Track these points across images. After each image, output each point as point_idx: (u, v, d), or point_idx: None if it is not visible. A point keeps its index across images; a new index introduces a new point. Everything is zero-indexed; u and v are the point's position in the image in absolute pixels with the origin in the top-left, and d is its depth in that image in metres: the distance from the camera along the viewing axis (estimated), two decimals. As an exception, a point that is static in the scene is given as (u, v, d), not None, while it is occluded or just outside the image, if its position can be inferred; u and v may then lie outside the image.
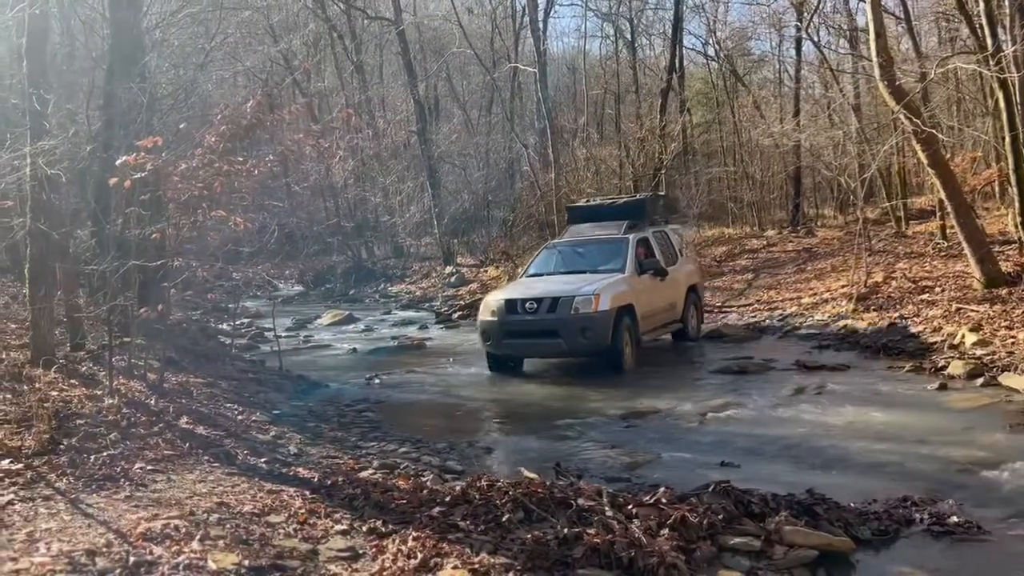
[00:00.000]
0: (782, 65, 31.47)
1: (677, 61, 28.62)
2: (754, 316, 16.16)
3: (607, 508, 4.77)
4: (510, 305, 11.04)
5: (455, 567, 4.01)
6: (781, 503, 5.15)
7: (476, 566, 4.04)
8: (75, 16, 14.68)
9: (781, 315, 15.62)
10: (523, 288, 11.67)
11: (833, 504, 5.24)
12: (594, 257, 12.25)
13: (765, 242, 24.48)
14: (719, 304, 18.01)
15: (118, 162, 6.96)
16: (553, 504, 4.88)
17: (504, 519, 4.72)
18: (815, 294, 16.55)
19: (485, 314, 11.29)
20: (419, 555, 4.12)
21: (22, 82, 8.31)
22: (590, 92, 34.53)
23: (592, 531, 4.45)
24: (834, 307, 14.92)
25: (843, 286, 15.84)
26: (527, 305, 10.86)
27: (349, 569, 4.12)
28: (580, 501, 4.91)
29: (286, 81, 27.60)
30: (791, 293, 17.51)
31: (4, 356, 7.56)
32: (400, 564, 4.05)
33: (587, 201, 15.97)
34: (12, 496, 4.82)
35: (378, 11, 31.91)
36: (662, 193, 17.71)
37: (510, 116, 31.06)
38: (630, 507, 4.90)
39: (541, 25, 29.02)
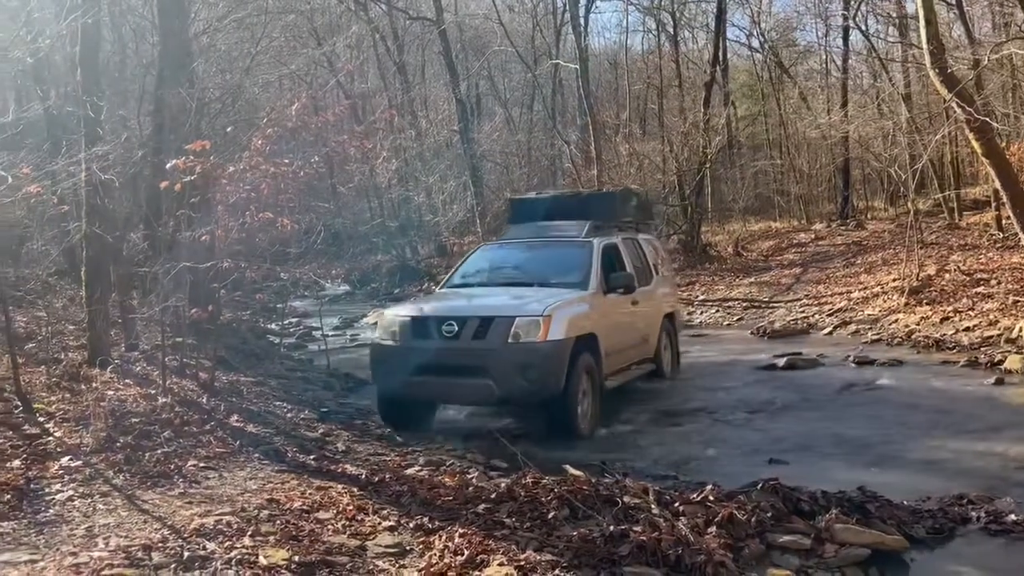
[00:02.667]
0: (829, 55, 30.91)
1: (720, 53, 28.26)
2: (802, 311, 15.92)
3: (653, 506, 4.74)
4: (418, 326, 7.49)
5: (501, 564, 4.02)
6: (831, 500, 5.06)
7: (522, 563, 4.04)
8: (126, 24, 15.05)
9: (830, 310, 15.36)
10: (440, 302, 8.19)
11: (885, 501, 5.14)
12: (546, 265, 8.72)
13: (813, 236, 24.09)
14: (767, 299, 17.78)
15: (168, 166, 7.11)
16: (599, 502, 4.87)
17: (549, 516, 4.71)
18: (865, 288, 16.25)
19: (381, 336, 7.79)
20: (465, 552, 4.14)
21: (76, 90, 8.54)
22: (632, 87, 34.30)
23: (638, 529, 4.42)
24: (885, 301, 14.63)
25: (894, 280, 15.52)
26: (444, 327, 7.30)
27: (397, 565, 4.16)
28: (626, 499, 4.88)
29: (330, 83, 27.89)
30: (841, 287, 17.21)
31: (63, 356, 7.78)
32: (447, 560, 4.08)
33: (537, 194, 12.83)
34: (72, 492, 4.96)
35: (420, 11, 32.08)
36: (636, 189, 13.65)
37: (552, 113, 31.05)
38: (677, 505, 4.86)
39: (582, 21, 28.92)
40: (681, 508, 4.81)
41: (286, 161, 7.97)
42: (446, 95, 32.12)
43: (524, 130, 32.91)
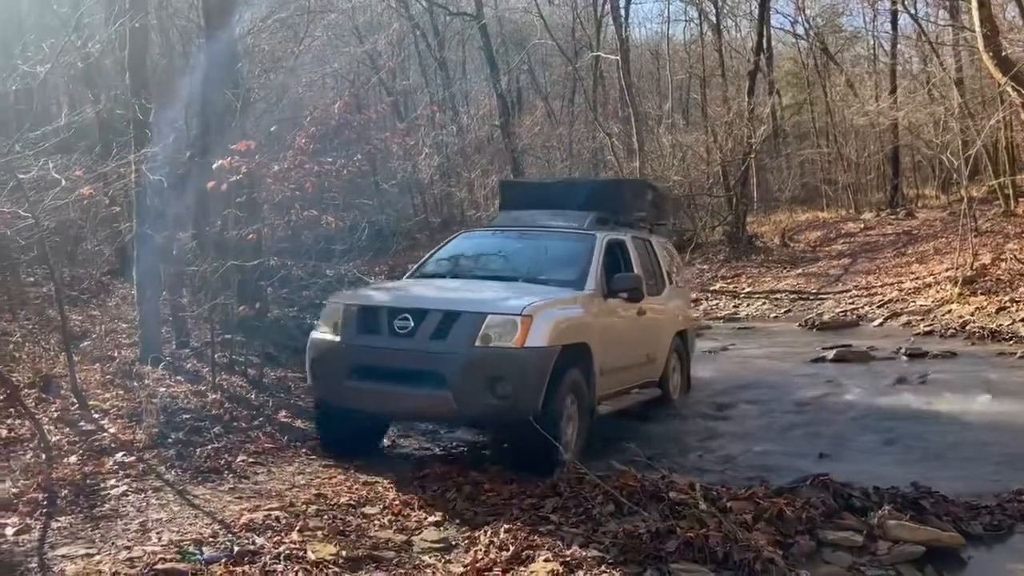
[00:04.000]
0: (876, 40, 30.22)
1: (764, 41, 27.81)
2: (852, 303, 15.63)
3: (701, 501, 4.69)
4: (366, 317, 5.96)
5: (546, 559, 4.01)
6: (884, 496, 4.96)
7: (567, 559, 4.03)
8: (173, 27, 15.33)
9: (881, 301, 15.05)
10: (398, 291, 6.64)
11: (940, 497, 5.01)
12: (537, 258, 7.15)
13: (862, 225, 23.64)
14: (814, 291, 17.50)
15: (214, 166, 7.22)
16: (645, 497, 4.83)
17: (595, 512, 4.70)
18: (917, 278, 15.89)
19: (321, 328, 6.19)
20: (511, 547, 4.14)
21: (125, 93, 8.72)
22: (675, 77, 33.92)
23: (685, 524, 4.38)
24: (938, 291, 14.29)
25: (947, 269, 15.15)
26: (397, 321, 5.77)
27: (442, 560, 4.18)
28: (672, 494, 4.84)
29: (372, 81, 28.11)
30: (891, 278, 16.86)
31: (116, 354, 7.96)
32: (492, 556, 4.08)
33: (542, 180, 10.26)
34: (125, 487, 5.08)
35: (460, 7, 32.11)
36: (653, 183, 11.35)
37: (593, 105, 30.86)
38: (724, 500, 4.81)
39: (623, 12, 28.70)
40: (729, 504, 4.76)
41: (330, 159, 8.05)
42: (487, 90, 32.13)
43: (565, 123, 32.75)
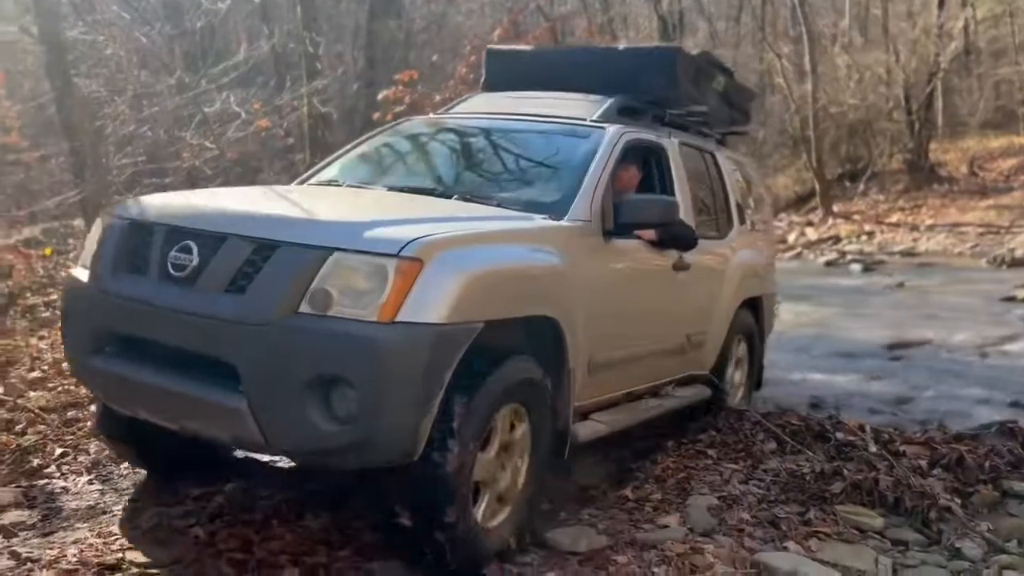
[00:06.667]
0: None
1: (960, -53, 25.10)
2: (1050, 237, 14.24)
3: (871, 444, 4.47)
4: (132, 242, 3.22)
5: (702, 494, 3.97)
6: (1083, 449, 4.54)
7: (725, 495, 3.97)
8: (340, -39, 15.69)
9: (1086, 235, 13.62)
10: (196, 201, 3.55)
11: None
12: (499, 166, 4.49)
13: (1067, 151, 21.31)
14: (1006, 225, 16.08)
15: (379, 97, 7.41)
16: (809, 437, 4.66)
17: (755, 450, 4.58)
18: None
19: (82, 259, 3.53)
20: (668, 481, 4.13)
21: (297, 27, 9.07)
22: (853, -9, 31.40)
23: (852, 467, 4.20)
24: None
25: None
26: (173, 253, 3.01)
27: (598, 492, 4.18)
28: (839, 435, 4.65)
29: (530, 6, 27.79)
30: (1099, 210, 15.18)
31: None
32: (648, 488, 4.07)
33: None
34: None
35: (621, -75, 31.00)
36: (721, 62, 5.92)
37: (761, 24, 29.12)
38: (897, 444, 4.57)
39: (797, -79, 26.67)
40: (902, 448, 4.52)
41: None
42: (647, 12, 31.03)
43: (730, 44, 31.18)
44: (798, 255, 17.58)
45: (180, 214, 3.23)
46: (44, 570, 2.93)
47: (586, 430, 3.78)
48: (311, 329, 2.72)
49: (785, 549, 3.41)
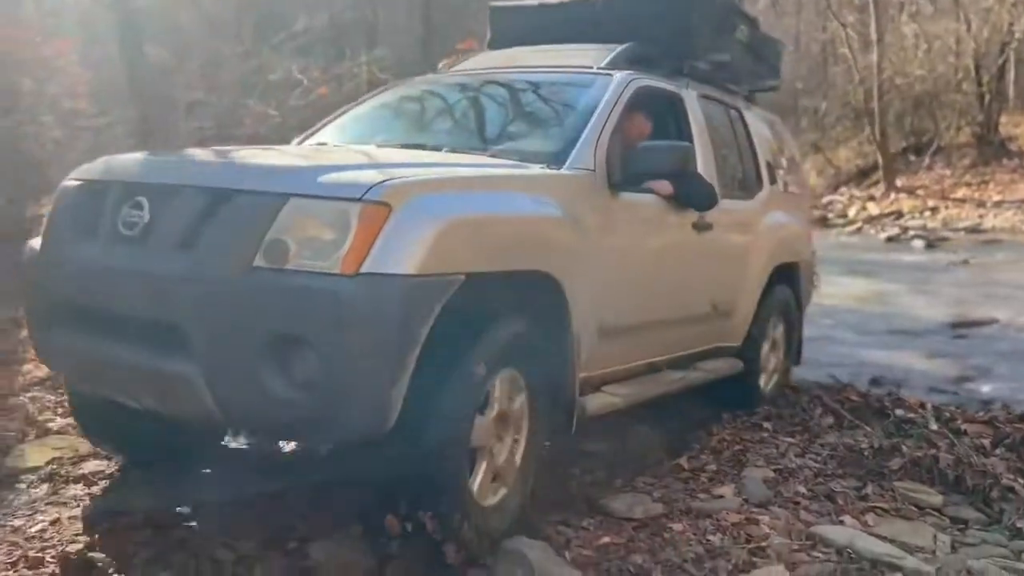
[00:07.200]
0: None
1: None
2: None
3: (931, 421, 4.43)
4: (86, 203, 2.91)
5: (758, 466, 3.98)
6: None
7: (781, 468, 3.97)
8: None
9: None
10: (157, 158, 3.27)
11: None
12: (496, 116, 4.14)
13: None
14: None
15: (439, 65, 7.43)
16: (868, 413, 4.63)
17: (812, 424, 4.57)
18: None
19: (43, 226, 3.16)
20: (723, 453, 4.14)
21: (357, -4, 9.13)
22: (924, -43, 30.29)
23: (912, 444, 4.17)
24: None
25: None
26: (125, 211, 2.71)
27: (653, 461, 4.21)
28: (899, 412, 4.61)
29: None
30: None
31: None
32: (704, 459, 4.09)
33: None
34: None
35: None
36: (744, 10, 5.55)
37: (826, -8, 28.31)
38: (958, 422, 4.51)
39: None
40: (963, 426, 4.46)
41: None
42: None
43: (792, 13, 30.41)
44: (858, 230, 17.22)
45: (133, 170, 3.01)
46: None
47: (596, 403, 3.40)
48: (266, 284, 2.43)
49: (841, 523, 3.40)
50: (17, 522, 2.98)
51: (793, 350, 5.29)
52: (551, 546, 2.91)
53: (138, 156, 3.24)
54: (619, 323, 3.51)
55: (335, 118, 4.38)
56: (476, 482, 2.74)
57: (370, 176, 2.57)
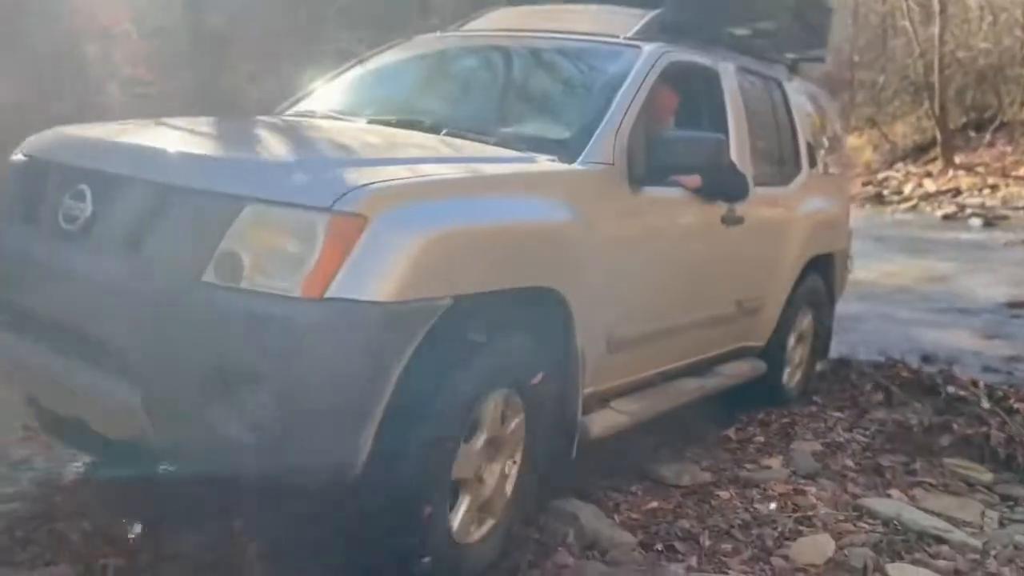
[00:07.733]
0: None
1: None
2: None
3: (983, 399, 4.41)
4: (30, 184, 2.58)
5: (806, 439, 4.01)
6: None
7: (829, 441, 4.00)
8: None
9: None
10: (115, 133, 2.75)
11: None
12: (507, 92, 3.63)
13: None
14: None
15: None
16: (919, 390, 4.62)
17: (861, 400, 4.58)
18: None
19: None
20: (771, 425, 4.17)
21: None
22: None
23: (963, 421, 4.16)
24: None
25: None
26: (67, 201, 2.37)
27: (701, 432, 4.26)
28: (951, 390, 4.58)
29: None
30: None
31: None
32: (751, 431, 4.13)
33: None
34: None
35: None
36: None
37: (887, -38, 27.47)
38: (1011, 401, 4.48)
39: None
40: (1016, 406, 4.43)
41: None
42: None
43: (851, -16, 29.61)
44: (914, 207, 16.86)
45: (78, 150, 2.57)
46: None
47: (601, 422, 2.98)
48: (215, 304, 2.03)
49: (888, 496, 3.44)
50: None
51: (821, 343, 4.89)
52: (600, 509, 3.01)
53: (88, 133, 2.78)
54: (632, 333, 3.11)
55: (329, 80, 3.92)
56: (457, 519, 2.35)
57: (344, 177, 2.14)
